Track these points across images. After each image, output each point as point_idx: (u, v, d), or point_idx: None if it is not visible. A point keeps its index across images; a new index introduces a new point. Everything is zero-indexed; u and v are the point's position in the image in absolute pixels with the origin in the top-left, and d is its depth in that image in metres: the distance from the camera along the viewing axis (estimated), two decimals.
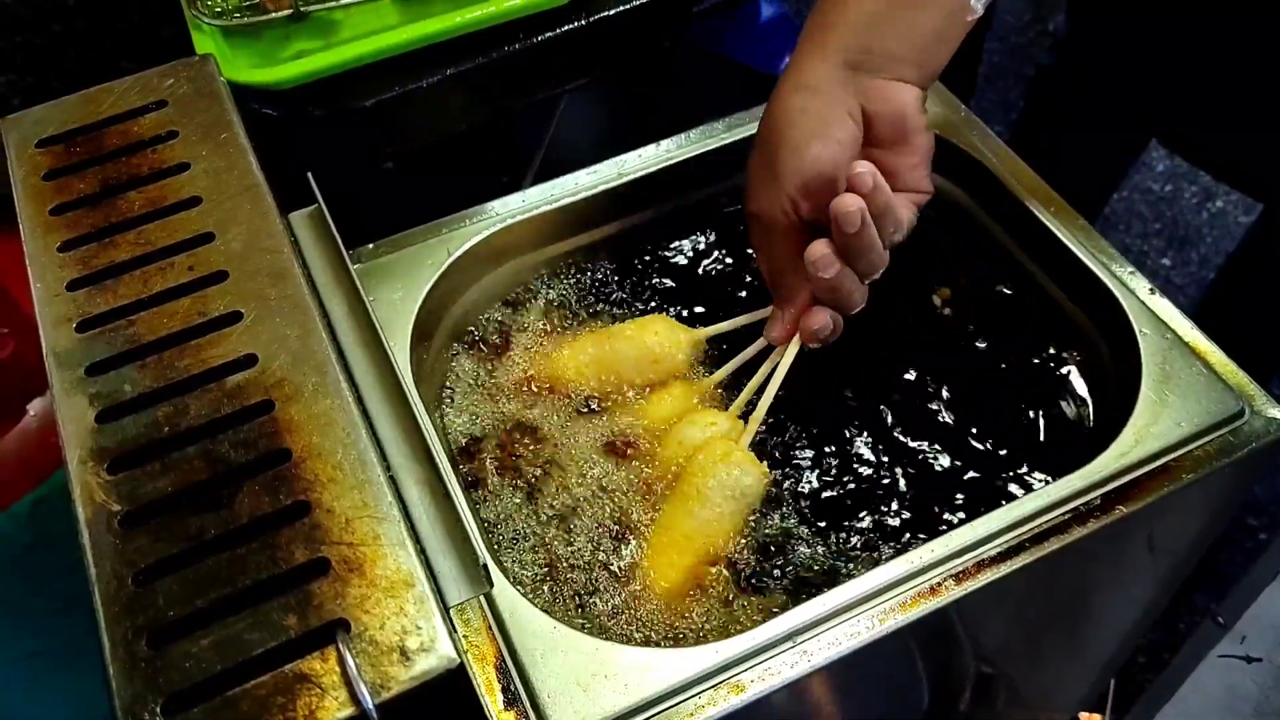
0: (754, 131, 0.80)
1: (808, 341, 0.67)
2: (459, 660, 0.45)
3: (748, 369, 0.71)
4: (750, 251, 0.77)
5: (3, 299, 0.98)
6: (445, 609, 0.47)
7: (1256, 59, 0.98)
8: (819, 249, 0.63)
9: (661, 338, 0.72)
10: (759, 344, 0.71)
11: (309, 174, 0.65)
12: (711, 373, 0.73)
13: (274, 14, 0.83)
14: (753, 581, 0.63)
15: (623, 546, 0.65)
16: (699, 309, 0.79)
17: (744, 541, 0.65)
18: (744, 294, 0.79)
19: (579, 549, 0.65)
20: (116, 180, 0.63)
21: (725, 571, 0.64)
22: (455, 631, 0.47)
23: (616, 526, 0.66)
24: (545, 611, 0.56)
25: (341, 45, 0.82)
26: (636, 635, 0.61)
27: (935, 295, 0.79)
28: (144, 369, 0.54)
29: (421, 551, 0.49)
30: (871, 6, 0.65)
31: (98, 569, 0.47)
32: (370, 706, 0.42)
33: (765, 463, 0.68)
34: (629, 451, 0.69)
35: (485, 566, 0.50)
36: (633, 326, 0.74)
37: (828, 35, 0.66)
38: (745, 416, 0.69)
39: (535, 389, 0.73)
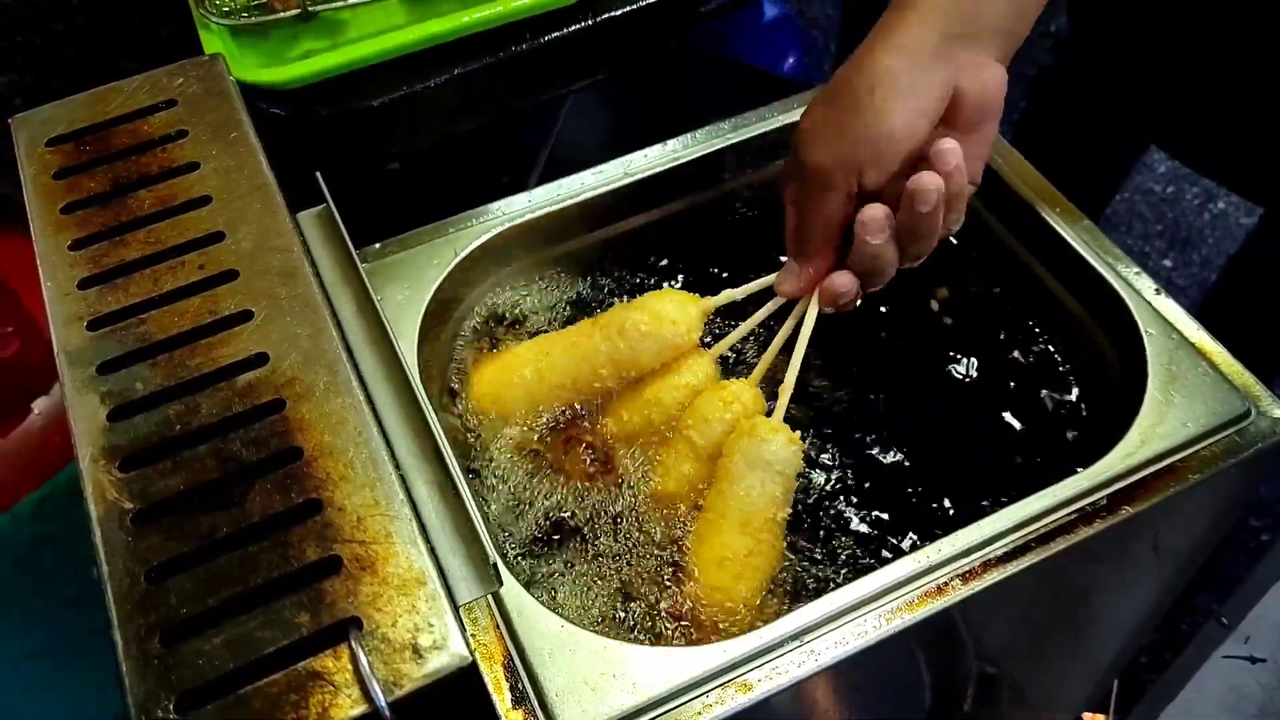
0: (760, 133, 0.81)
1: (827, 303, 0.65)
2: (471, 658, 0.45)
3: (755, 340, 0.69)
4: (754, 253, 0.77)
5: (7, 298, 0.98)
6: (455, 607, 0.47)
7: (1257, 61, 0.98)
8: (876, 212, 0.61)
9: (671, 309, 0.69)
10: (765, 310, 0.68)
11: (318, 174, 0.65)
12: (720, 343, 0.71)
13: (281, 14, 0.83)
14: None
15: (655, 539, 0.65)
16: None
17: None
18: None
19: (602, 542, 0.65)
20: (127, 179, 0.63)
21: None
22: (465, 630, 0.47)
23: (644, 515, 0.66)
24: (555, 611, 0.56)
25: (348, 45, 0.82)
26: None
27: (933, 299, 0.79)
28: (155, 367, 0.54)
29: (431, 550, 0.49)
30: None
31: (110, 567, 0.47)
32: (383, 704, 0.43)
33: None
34: (645, 434, 0.69)
35: (495, 565, 0.50)
36: (639, 301, 0.71)
37: None
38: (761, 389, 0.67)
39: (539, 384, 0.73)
